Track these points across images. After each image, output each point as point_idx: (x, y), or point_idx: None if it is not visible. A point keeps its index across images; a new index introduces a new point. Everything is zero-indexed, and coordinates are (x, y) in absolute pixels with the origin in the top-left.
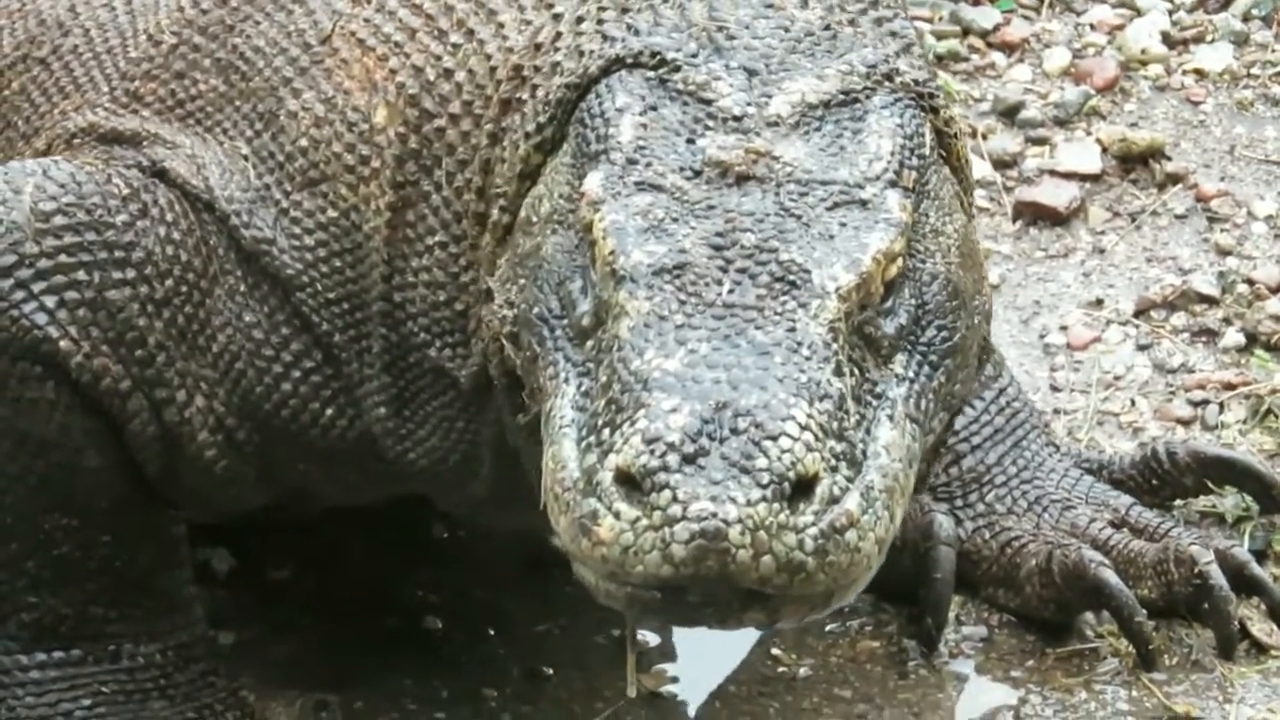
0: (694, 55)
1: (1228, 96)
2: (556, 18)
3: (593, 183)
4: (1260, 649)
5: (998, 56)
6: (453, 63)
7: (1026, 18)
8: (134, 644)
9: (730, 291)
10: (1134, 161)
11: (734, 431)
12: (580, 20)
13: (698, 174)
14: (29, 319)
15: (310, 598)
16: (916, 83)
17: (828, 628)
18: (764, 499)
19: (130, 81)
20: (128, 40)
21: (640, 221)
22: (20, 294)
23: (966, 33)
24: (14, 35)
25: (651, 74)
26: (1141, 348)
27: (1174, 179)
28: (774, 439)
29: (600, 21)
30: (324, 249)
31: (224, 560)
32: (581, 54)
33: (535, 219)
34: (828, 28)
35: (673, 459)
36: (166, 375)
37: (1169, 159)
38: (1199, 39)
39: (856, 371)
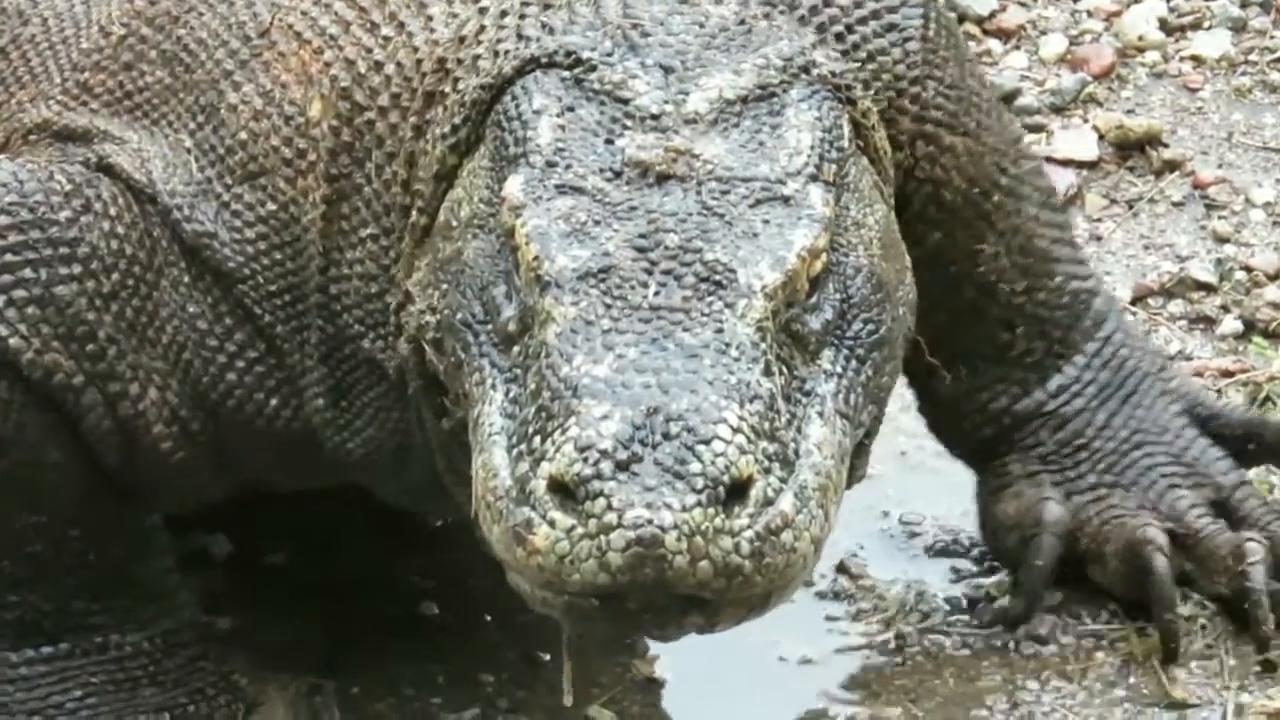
0: (609, 54)
1: (1225, 83)
2: (482, 11)
3: (513, 187)
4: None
5: (994, 43)
6: (383, 55)
7: (1023, 4)
8: (120, 634)
9: (656, 294)
10: (1131, 148)
11: (666, 437)
12: (504, 14)
13: (618, 175)
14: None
15: (306, 582)
16: (833, 74)
17: (825, 614)
18: (699, 504)
19: (81, 73)
20: (81, 31)
21: (563, 225)
22: None
23: (963, 19)
24: None
25: (567, 74)
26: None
27: (1171, 166)
28: (706, 443)
29: (521, 17)
30: (264, 242)
31: (220, 545)
32: (497, 54)
33: (455, 223)
34: (742, 22)
35: (606, 466)
36: (118, 368)
37: (1166, 146)
38: (1196, 25)
39: (785, 369)
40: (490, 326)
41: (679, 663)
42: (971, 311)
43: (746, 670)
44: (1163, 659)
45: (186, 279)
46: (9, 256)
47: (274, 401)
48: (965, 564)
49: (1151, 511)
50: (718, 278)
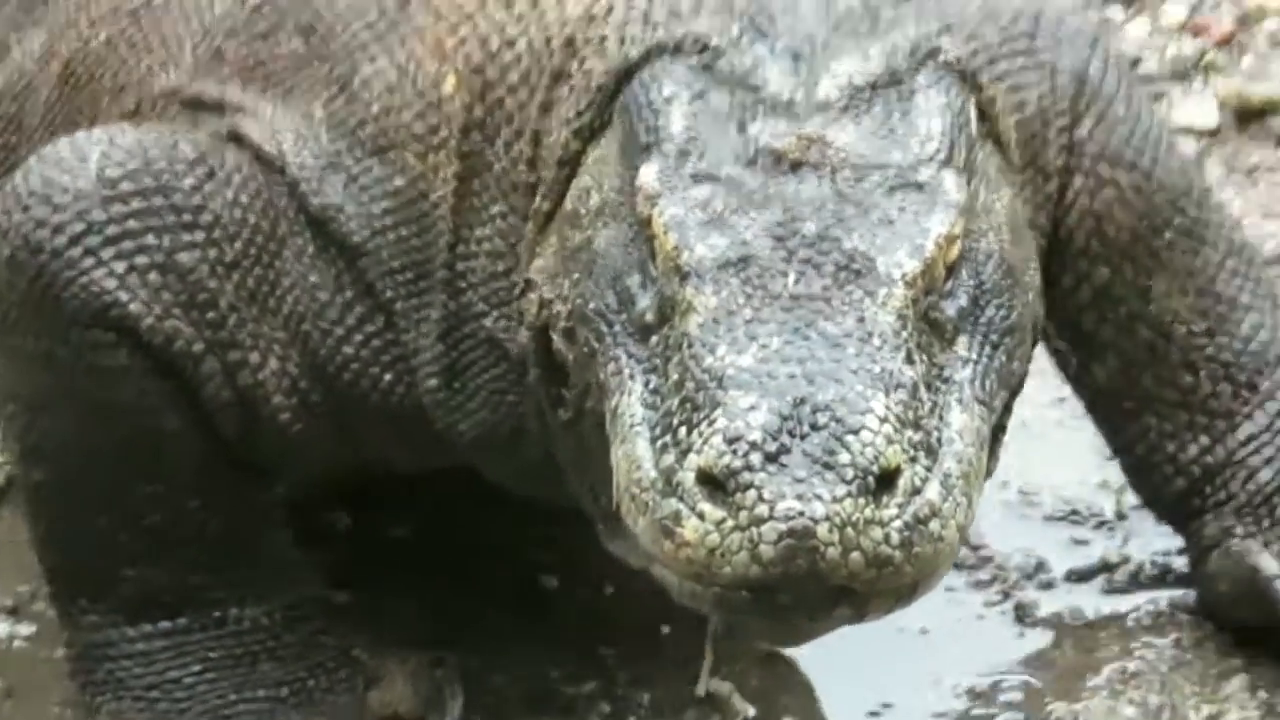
0: (737, 40)
1: None
2: None
3: (648, 176)
4: None
5: (1115, 11)
6: (515, 31)
7: None
8: (239, 608)
9: (796, 283)
10: (1251, 116)
11: (814, 427)
12: None
13: (752, 163)
14: (99, 285)
15: (426, 557)
16: (959, 60)
17: (945, 584)
18: (849, 494)
19: (214, 39)
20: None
21: (700, 214)
22: (90, 261)
23: None
24: None
25: (695, 60)
26: None
27: None
28: (855, 433)
29: (649, 1)
30: (391, 216)
31: (341, 520)
32: (624, 39)
33: (584, 211)
34: (869, 7)
35: (756, 458)
36: (239, 337)
37: None
38: None
39: (925, 357)
40: (625, 317)
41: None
42: (1149, 352)
43: (865, 643)
44: None
45: (310, 250)
46: (132, 223)
47: (388, 376)
48: (1084, 533)
49: None
50: (856, 266)
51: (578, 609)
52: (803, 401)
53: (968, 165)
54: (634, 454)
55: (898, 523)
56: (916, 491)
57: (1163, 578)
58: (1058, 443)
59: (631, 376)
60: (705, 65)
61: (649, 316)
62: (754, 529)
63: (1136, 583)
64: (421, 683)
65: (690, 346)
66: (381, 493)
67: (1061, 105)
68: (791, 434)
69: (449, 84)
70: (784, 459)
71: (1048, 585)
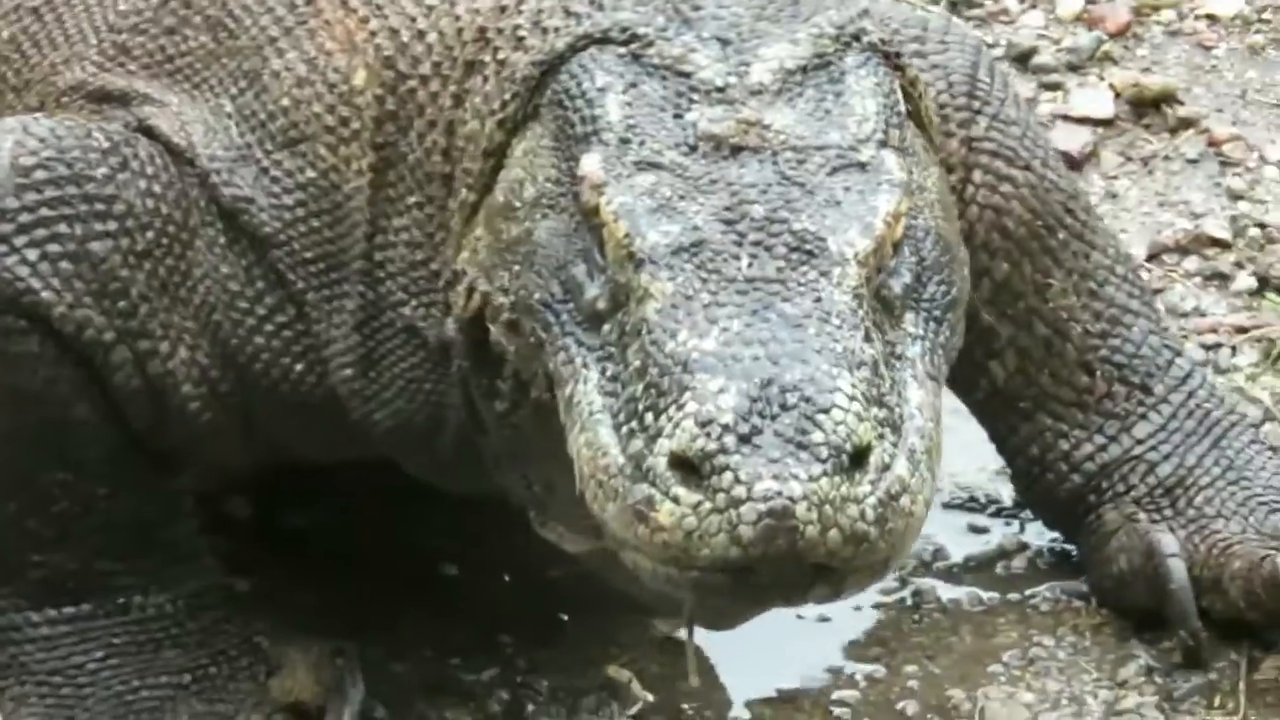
0: (664, 29)
1: (1239, 41)
2: None
3: (592, 165)
4: None
5: (1011, 2)
6: (425, 24)
7: None
8: (143, 595)
9: (749, 266)
10: (1146, 106)
11: (784, 408)
12: None
13: (693, 149)
14: (11, 272)
15: (327, 545)
16: (883, 41)
17: None
18: (825, 473)
19: (119, 35)
20: None
21: (648, 201)
22: (2, 248)
23: None
24: None
25: (624, 50)
26: (1154, 291)
27: (1186, 124)
28: (826, 412)
29: None
30: (302, 209)
31: (241, 508)
32: (545, 30)
33: (519, 203)
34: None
35: (729, 440)
36: (149, 326)
37: (1181, 104)
38: None
39: (879, 335)
40: (572, 306)
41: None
42: (1046, 350)
43: (764, 629)
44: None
45: (222, 241)
46: (45, 211)
47: (299, 367)
48: (981, 520)
49: (1257, 535)
50: (808, 247)
51: (477, 597)
52: (770, 383)
53: (901, 144)
54: (597, 441)
55: (872, 499)
56: (887, 468)
57: (1060, 565)
58: (955, 430)
59: (585, 365)
60: (635, 55)
61: (600, 304)
62: (732, 511)
63: (1034, 570)
64: (323, 671)
65: (650, 333)
66: (282, 482)
67: (959, 102)
68: (762, 415)
69: (360, 77)
70: (756, 440)
71: (946, 572)
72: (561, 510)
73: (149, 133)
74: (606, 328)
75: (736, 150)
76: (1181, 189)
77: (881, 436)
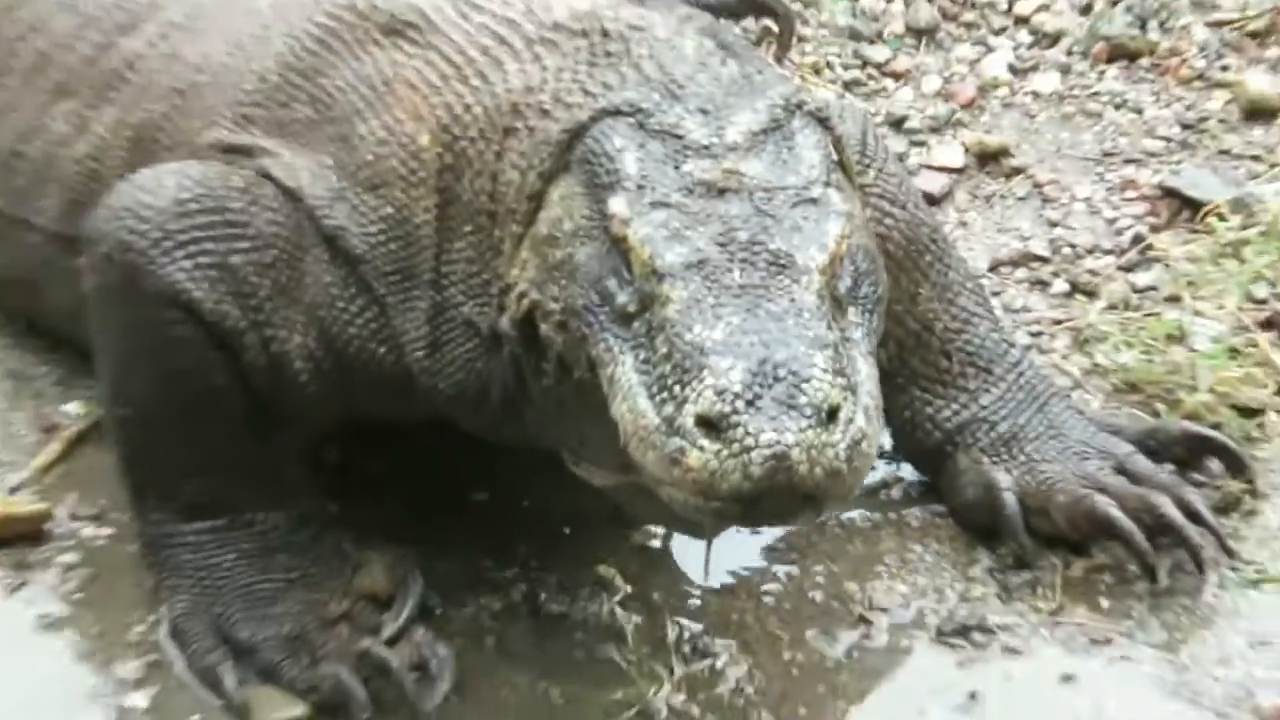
0: (660, 103)
1: (1055, 111)
2: (544, 69)
3: (619, 205)
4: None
5: (889, 82)
6: (473, 100)
7: (908, 53)
8: (264, 514)
9: (740, 276)
10: (988, 159)
11: (777, 379)
12: (560, 71)
13: (691, 191)
14: (173, 278)
15: (396, 480)
16: (818, 109)
17: None
18: (810, 426)
19: (244, 107)
20: (244, 78)
21: (664, 231)
22: (166, 260)
23: (865, 64)
24: (162, 76)
25: (631, 119)
26: (994, 294)
27: (1017, 171)
28: (808, 381)
29: (587, 75)
30: (383, 235)
31: (334, 454)
32: (568, 105)
33: (559, 235)
34: (746, 76)
35: (740, 404)
36: (273, 319)
37: (1013, 156)
38: (1035, 69)
39: (834, 324)
40: (607, 309)
41: (661, 531)
42: (916, 340)
43: (715, 540)
44: (1149, 579)
45: (325, 258)
46: (197, 233)
47: (382, 350)
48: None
49: (1074, 477)
50: (782, 261)
51: (502, 516)
52: (765, 361)
53: (838, 184)
54: (637, 407)
55: (843, 445)
56: (851, 421)
57: (926, 494)
58: None
59: (622, 352)
60: (640, 123)
61: (630, 307)
62: (744, 455)
63: (908, 497)
64: (393, 570)
65: (673, 327)
66: (362, 435)
67: (855, 158)
68: (761, 385)
69: (425, 139)
70: (759, 404)
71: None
72: (591, 455)
73: (269, 177)
74: (636, 324)
75: (722, 192)
76: (1014, 219)
77: (845, 398)
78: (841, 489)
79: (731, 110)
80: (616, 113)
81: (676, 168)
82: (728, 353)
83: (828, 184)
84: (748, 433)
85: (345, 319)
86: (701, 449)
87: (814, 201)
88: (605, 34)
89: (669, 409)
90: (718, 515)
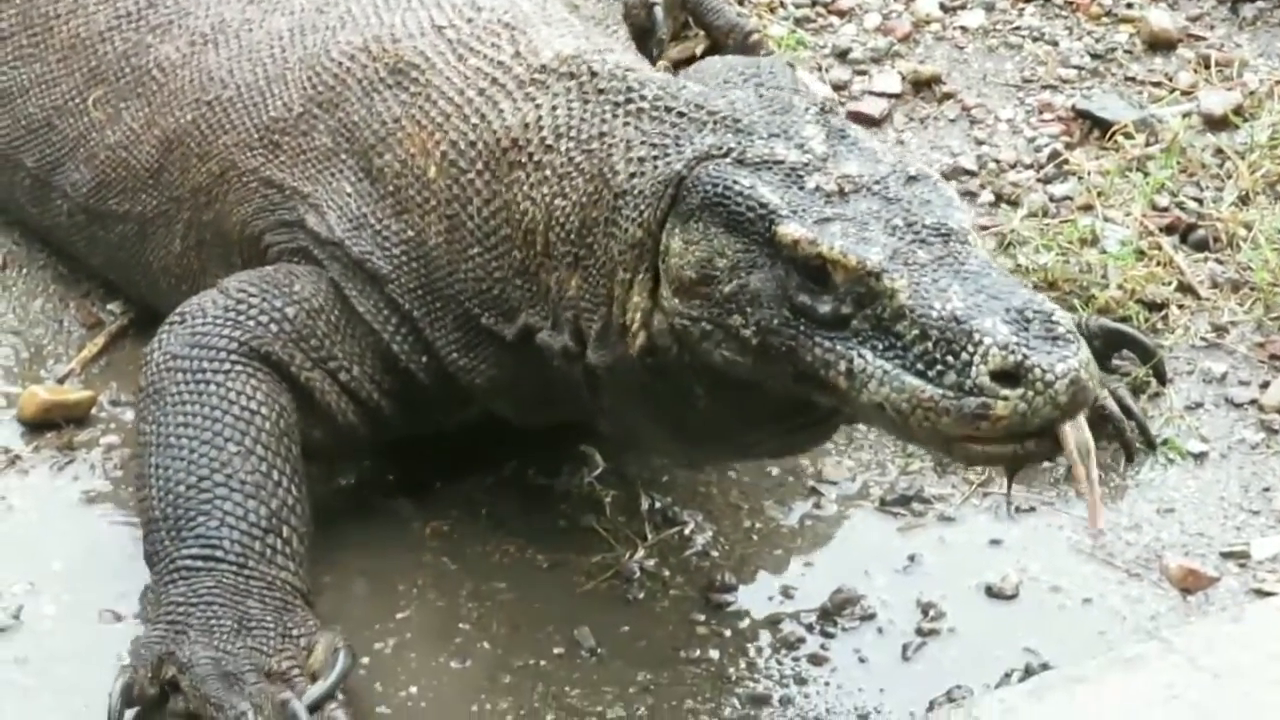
0: (739, 141)
1: (981, 43)
2: (538, 106)
3: (799, 230)
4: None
5: (834, 19)
6: (474, 136)
7: None
8: (256, 564)
9: (925, 253)
10: (922, 85)
11: (1028, 320)
12: (555, 110)
13: (830, 201)
14: (254, 334)
15: (459, 454)
16: (823, 102)
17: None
18: (1078, 349)
19: (271, 134)
20: (268, 101)
21: (850, 239)
22: (232, 325)
23: (815, 3)
24: (190, 85)
25: (727, 160)
26: None
27: (948, 96)
28: (1052, 314)
29: (664, 129)
30: (404, 256)
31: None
32: (642, 159)
33: (717, 272)
34: (779, 97)
35: (1024, 350)
36: (334, 353)
37: (944, 83)
38: (963, 6)
39: None
40: (804, 320)
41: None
42: None
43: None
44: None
45: (358, 289)
46: (261, 302)
47: (424, 359)
48: None
49: None
50: (943, 232)
51: (520, 484)
52: (1010, 310)
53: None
54: (906, 387)
55: (1087, 358)
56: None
57: None
58: None
59: (850, 349)
60: (738, 160)
61: (844, 310)
62: (1048, 391)
63: None
64: (332, 648)
65: (913, 311)
66: (424, 443)
67: None
68: (1023, 330)
69: (432, 171)
70: (1034, 344)
71: None
72: (637, 439)
73: (302, 226)
74: (856, 322)
75: (847, 195)
76: (945, 138)
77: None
78: (1091, 398)
79: (790, 126)
80: (707, 157)
81: (801, 186)
82: (980, 315)
83: (896, 159)
84: (1044, 369)
85: (384, 338)
86: (1005, 399)
87: (914, 178)
88: (594, 74)
89: (951, 376)
90: (1016, 457)
